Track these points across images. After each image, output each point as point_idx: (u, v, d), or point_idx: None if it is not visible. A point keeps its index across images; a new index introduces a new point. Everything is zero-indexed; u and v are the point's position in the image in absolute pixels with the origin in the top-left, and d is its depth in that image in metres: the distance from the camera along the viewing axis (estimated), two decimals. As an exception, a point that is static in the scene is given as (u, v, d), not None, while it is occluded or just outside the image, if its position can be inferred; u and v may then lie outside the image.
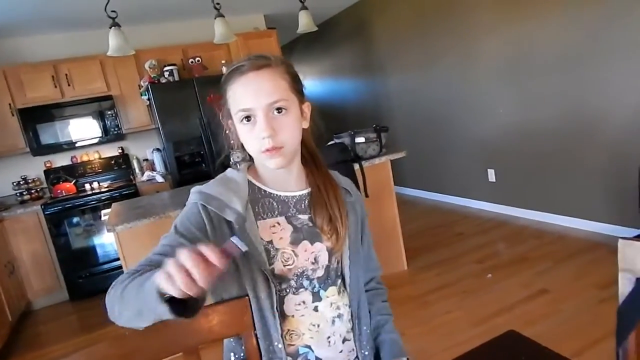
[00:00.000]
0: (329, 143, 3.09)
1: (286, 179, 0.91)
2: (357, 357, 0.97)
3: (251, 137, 0.82)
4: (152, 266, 0.75)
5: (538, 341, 0.94)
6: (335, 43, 6.17)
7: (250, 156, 0.92)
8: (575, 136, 3.27)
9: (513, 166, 3.89)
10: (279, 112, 0.81)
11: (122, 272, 3.01)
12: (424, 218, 4.49)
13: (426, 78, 4.66)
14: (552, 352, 0.89)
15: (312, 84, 6.99)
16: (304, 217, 0.91)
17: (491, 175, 4.15)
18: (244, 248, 0.62)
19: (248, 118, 0.81)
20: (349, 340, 0.95)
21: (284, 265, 0.87)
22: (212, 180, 0.90)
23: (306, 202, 0.92)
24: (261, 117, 0.80)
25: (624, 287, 0.80)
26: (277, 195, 0.90)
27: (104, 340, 0.83)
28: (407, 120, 5.11)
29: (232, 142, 0.90)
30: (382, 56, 5.31)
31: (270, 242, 0.87)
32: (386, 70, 5.29)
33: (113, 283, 0.77)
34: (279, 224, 0.89)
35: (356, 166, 2.87)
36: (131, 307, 0.70)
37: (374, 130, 3.03)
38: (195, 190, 0.87)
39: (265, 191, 0.90)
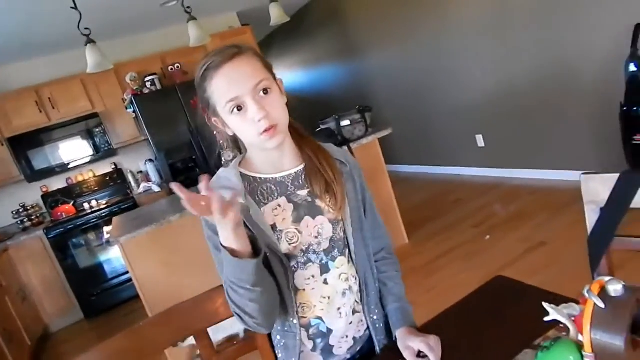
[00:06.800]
0: (316, 130, 3.13)
1: (280, 160, 0.93)
2: (367, 327, 1.01)
3: (245, 124, 0.85)
4: None
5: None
6: (311, 31, 6.17)
7: (240, 151, 0.95)
8: (555, 88, 3.31)
9: (500, 128, 3.94)
10: (265, 93, 0.84)
11: (132, 285, 2.97)
12: (419, 192, 4.55)
13: (405, 51, 4.68)
14: (536, 288, 0.95)
15: (294, 76, 6.99)
16: (303, 193, 0.94)
17: (480, 140, 4.20)
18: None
19: (238, 107, 0.84)
20: (358, 312, 0.99)
21: (290, 244, 0.91)
22: None
23: (302, 177, 0.95)
24: (251, 102, 0.83)
25: (590, 218, 0.85)
26: (273, 178, 0.93)
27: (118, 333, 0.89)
28: (391, 97, 5.14)
29: (221, 142, 0.93)
30: (359, 37, 5.32)
31: (274, 225, 0.91)
32: (365, 50, 5.30)
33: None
34: (280, 205, 0.92)
35: (345, 149, 2.92)
36: (234, 296, 0.82)
37: (358, 112, 3.07)
38: None
39: (260, 178, 0.93)
